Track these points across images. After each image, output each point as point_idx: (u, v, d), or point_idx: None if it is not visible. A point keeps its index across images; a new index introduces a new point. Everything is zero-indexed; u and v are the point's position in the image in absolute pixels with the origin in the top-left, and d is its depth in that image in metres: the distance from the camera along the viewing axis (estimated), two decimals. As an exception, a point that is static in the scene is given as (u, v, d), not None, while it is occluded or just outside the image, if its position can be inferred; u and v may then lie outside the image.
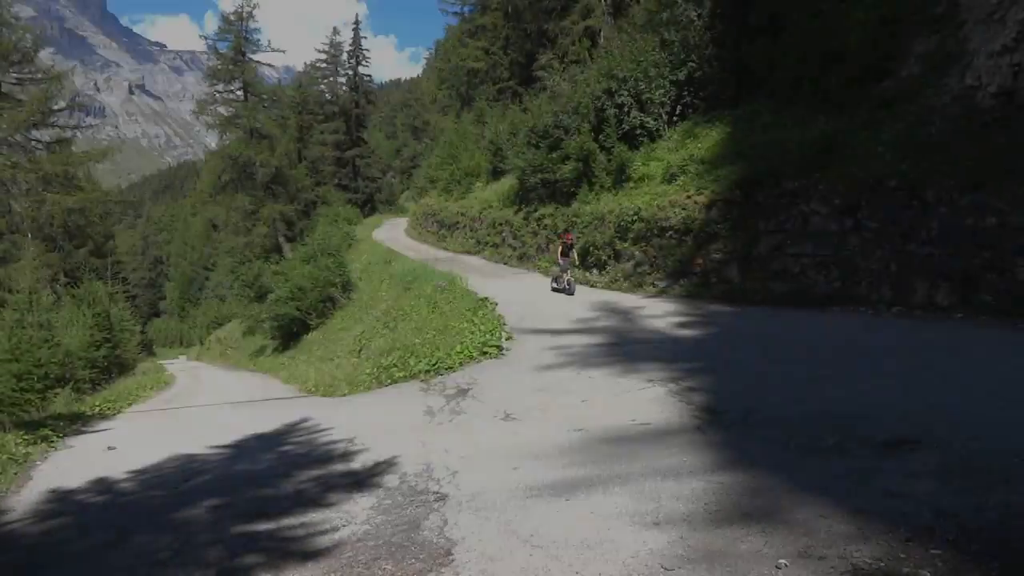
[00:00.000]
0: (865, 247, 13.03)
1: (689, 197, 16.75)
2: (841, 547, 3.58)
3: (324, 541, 4.72)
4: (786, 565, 3.44)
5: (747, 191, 15.35)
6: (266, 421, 10.48)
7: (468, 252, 30.38)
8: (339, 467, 6.78)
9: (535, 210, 24.82)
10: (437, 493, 5.44)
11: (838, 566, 3.38)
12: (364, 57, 68.85)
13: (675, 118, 21.06)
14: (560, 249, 18.26)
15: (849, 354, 9.25)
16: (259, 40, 53.93)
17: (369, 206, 64.07)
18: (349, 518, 5.14)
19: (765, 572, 3.42)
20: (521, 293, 18.41)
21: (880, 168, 13.08)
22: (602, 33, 33.12)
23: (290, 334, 31.18)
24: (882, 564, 3.33)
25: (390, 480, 6.02)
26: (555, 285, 18.34)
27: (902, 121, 13.81)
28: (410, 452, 6.83)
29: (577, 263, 18.62)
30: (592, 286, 18.98)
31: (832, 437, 5.45)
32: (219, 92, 52.85)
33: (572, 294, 17.26)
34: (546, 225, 23.62)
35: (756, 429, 6.05)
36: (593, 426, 6.82)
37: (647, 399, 7.70)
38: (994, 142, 12.05)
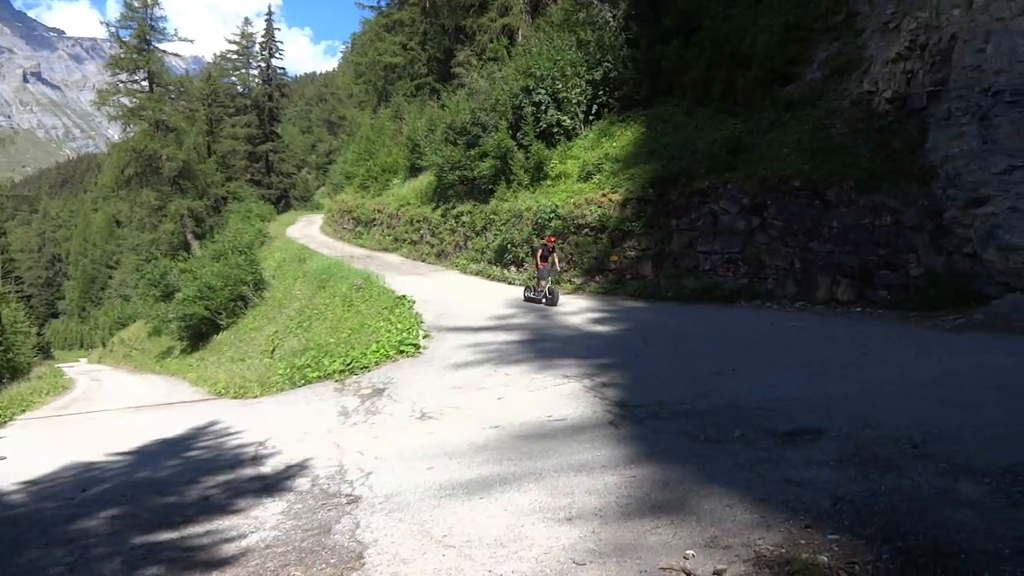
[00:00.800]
0: (771, 245, 13.53)
1: (605, 195, 17.02)
2: (745, 536, 3.69)
3: (230, 549, 4.54)
4: (693, 556, 3.51)
5: (660, 190, 15.70)
6: (172, 425, 10.08)
7: (385, 249, 30.03)
8: (249, 471, 6.56)
9: (453, 207, 24.73)
10: (350, 495, 5.33)
11: (742, 554, 3.48)
12: (277, 49, 67.09)
13: (591, 117, 21.37)
14: (540, 253, 15.74)
15: (755, 348, 9.61)
16: (165, 29, 51.74)
17: (283, 202, 62.50)
18: (258, 524, 4.96)
19: (673, 563, 3.48)
20: (439, 291, 18.29)
21: (785, 169, 13.62)
22: (520, 31, 33.19)
23: (199, 334, 30.07)
24: (783, 551, 3.45)
25: (302, 483, 5.86)
26: (529, 295, 15.91)
27: (806, 124, 14.42)
28: (323, 454, 6.68)
29: (559, 270, 16.20)
30: (510, 283, 19.04)
31: (739, 428, 5.64)
32: (122, 82, 50.46)
33: (555, 304, 14.82)
34: (464, 223, 23.56)
35: (667, 422, 6.19)
36: (509, 423, 6.83)
37: (563, 395, 7.77)
38: (889, 145, 12.73)
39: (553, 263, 15.59)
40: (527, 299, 15.80)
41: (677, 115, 18.21)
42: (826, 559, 3.26)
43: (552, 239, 16.20)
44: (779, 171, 13.66)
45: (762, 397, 6.68)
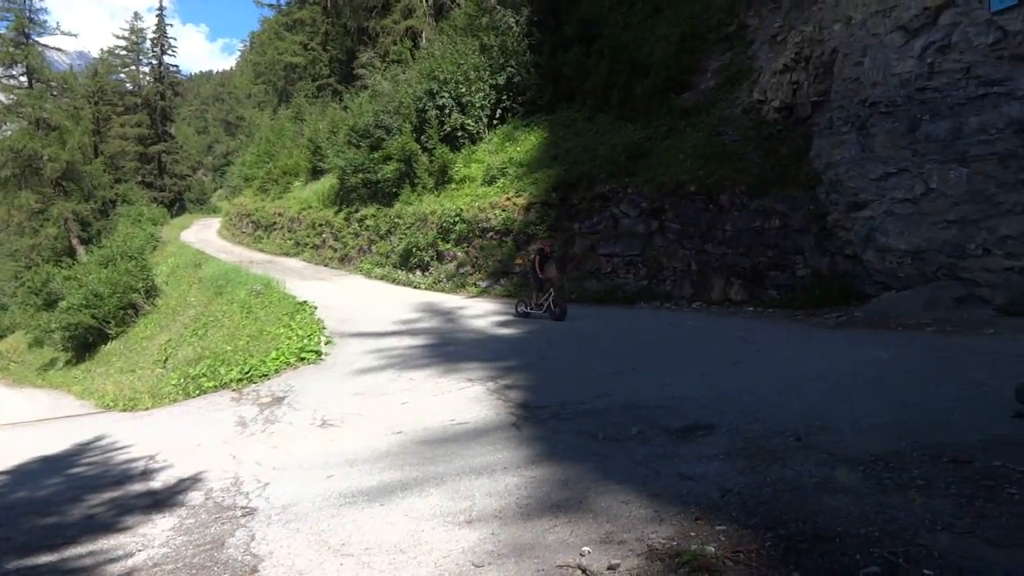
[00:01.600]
0: (669, 247, 13.96)
1: (509, 199, 17.14)
2: (639, 530, 3.78)
3: (115, 569, 4.29)
4: (589, 552, 3.57)
5: (563, 194, 15.96)
6: (54, 441, 9.44)
7: (286, 254, 29.29)
8: (137, 487, 6.22)
9: (356, 210, 24.38)
10: (245, 508, 5.14)
11: (636, 548, 3.56)
12: (170, 46, 64.38)
13: (495, 121, 21.49)
14: (536, 261, 13.73)
15: (654, 348, 9.89)
16: (46, 21, 48.82)
17: (178, 205, 59.95)
18: (146, 542, 4.72)
19: (570, 560, 3.53)
20: (342, 296, 17.96)
21: (681, 174, 14.10)
22: (424, 34, 33.07)
23: (85, 345, 28.46)
24: (674, 543, 3.55)
25: (195, 497, 5.61)
26: (523, 309, 13.69)
27: (700, 131, 14.98)
28: (218, 466, 6.42)
29: (558, 276, 14.78)
30: (415, 287, 18.91)
31: (636, 426, 5.78)
32: (-3, 77, 47.36)
33: (563, 319, 12.78)
34: (368, 226, 23.24)
35: (568, 422, 6.28)
36: (412, 428, 6.76)
37: (466, 398, 7.77)
38: (778, 152, 13.39)
39: (551, 272, 14.22)
40: (521, 314, 13.66)
41: (579, 121, 18.57)
42: (713, 549, 3.38)
43: (547, 244, 14.71)
44: (676, 176, 14.13)
45: (659, 395, 6.87)
